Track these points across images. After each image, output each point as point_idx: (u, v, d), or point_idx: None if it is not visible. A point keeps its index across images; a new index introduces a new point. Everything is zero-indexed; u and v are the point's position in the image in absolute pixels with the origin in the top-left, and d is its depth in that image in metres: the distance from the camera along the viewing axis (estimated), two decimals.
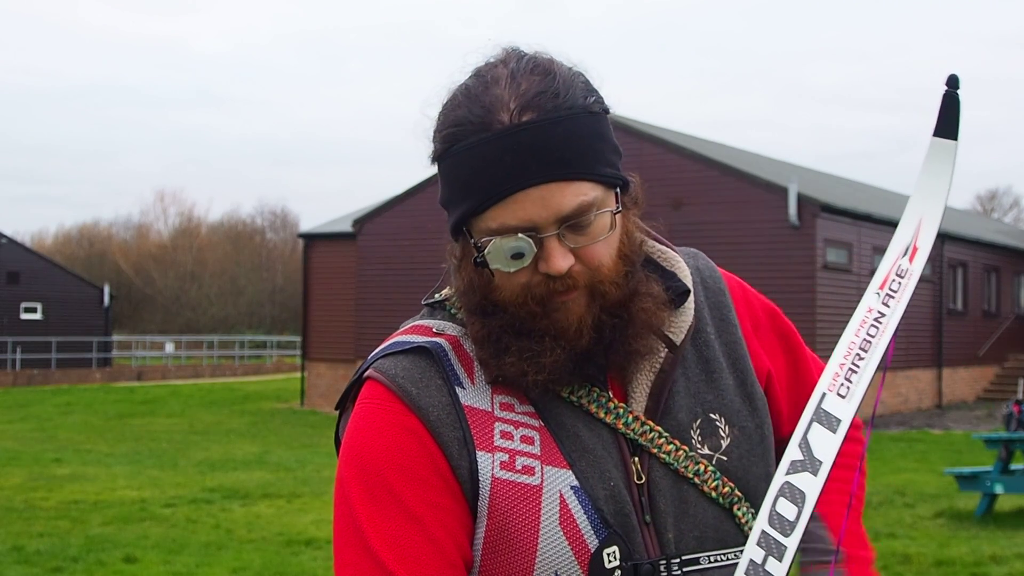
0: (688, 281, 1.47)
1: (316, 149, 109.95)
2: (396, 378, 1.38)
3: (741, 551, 1.42)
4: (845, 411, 1.26)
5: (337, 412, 1.50)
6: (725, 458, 1.41)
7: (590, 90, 1.35)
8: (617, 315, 1.35)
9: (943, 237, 24.61)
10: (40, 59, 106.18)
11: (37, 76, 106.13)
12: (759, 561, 1.23)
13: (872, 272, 21.61)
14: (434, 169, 1.49)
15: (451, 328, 1.42)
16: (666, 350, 1.42)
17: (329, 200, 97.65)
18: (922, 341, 24.05)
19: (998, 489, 9.85)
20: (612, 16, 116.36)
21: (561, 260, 1.30)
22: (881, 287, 1.30)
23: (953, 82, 1.29)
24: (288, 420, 21.95)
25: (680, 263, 1.49)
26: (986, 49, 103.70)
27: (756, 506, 1.43)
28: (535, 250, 1.31)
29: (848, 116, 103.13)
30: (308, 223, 62.48)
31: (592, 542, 1.32)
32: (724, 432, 1.42)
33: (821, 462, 1.25)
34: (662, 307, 1.40)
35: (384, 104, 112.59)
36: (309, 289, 26.21)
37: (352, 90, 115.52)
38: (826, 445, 1.26)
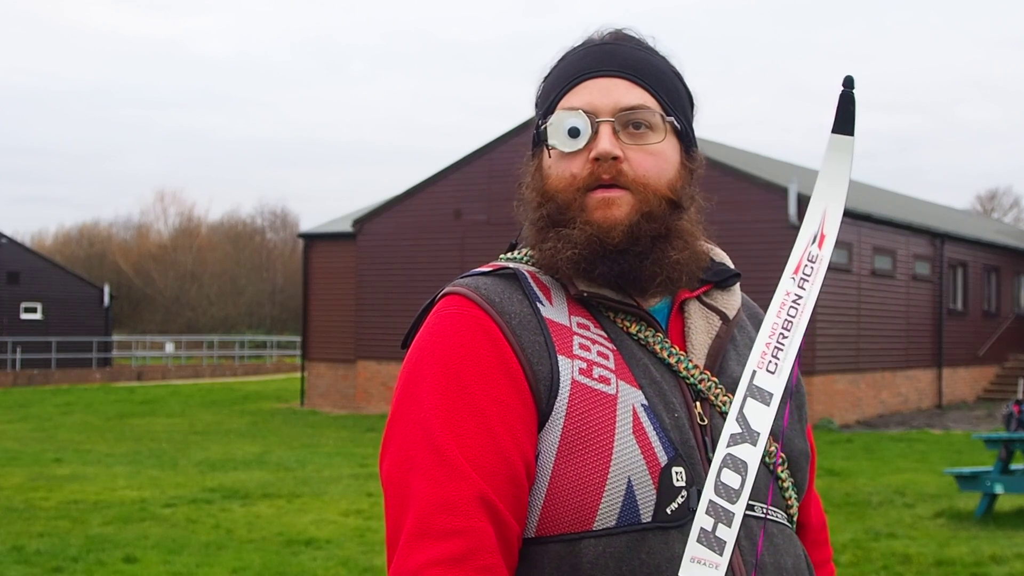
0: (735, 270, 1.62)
1: (316, 149, 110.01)
2: (479, 289, 1.46)
3: (784, 514, 1.51)
4: (775, 385, 1.36)
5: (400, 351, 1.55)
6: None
7: (679, 71, 1.56)
8: (657, 224, 1.45)
9: (943, 237, 24.63)
10: (41, 60, 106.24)
11: (38, 77, 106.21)
12: (709, 529, 1.30)
13: (872, 272, 21.71)
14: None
15: (525, 267, 1.52)
16: (720, 322, 1.54)
17: (329, 200, 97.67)
18: (922, 341, 24.05)
19: (998, 489, 9.85)
20: (611, 17, 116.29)
21: (610, 143, 1.44)
22: (795, 272, 1.41)
23: (849, 82, 1.39)
24: (288, 420, 21.94)
25: (726, 256, 1.63)
26: (986, 50, 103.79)
27: (795, 476, 1.53)
28: (590, 132, 1.45)
29: None
30: (308, 223, 62.53)
31: (662, 457, 1.39)
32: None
33: (759, 433, 1.34)
34: (701, 242, 1.54)
35: (384, 105, 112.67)
36: (309, 289, 26.21)
37: (353, 91, 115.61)
38: (761, 417, 1.35)
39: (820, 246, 1.40)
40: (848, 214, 20.63)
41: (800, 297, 1.39)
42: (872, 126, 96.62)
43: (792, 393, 1.51)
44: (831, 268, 19.89)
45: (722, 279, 1.58)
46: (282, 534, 9.30)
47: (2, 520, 9.92)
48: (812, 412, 19.04)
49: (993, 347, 27.42)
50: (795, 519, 1.54)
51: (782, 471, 1.50)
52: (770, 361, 1.37)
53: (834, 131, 1.40)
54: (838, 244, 19.04)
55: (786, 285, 1.39)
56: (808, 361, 18.99)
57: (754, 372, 1.36)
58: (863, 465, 14.16)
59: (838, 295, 20.36)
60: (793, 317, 1.39)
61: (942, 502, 10.90)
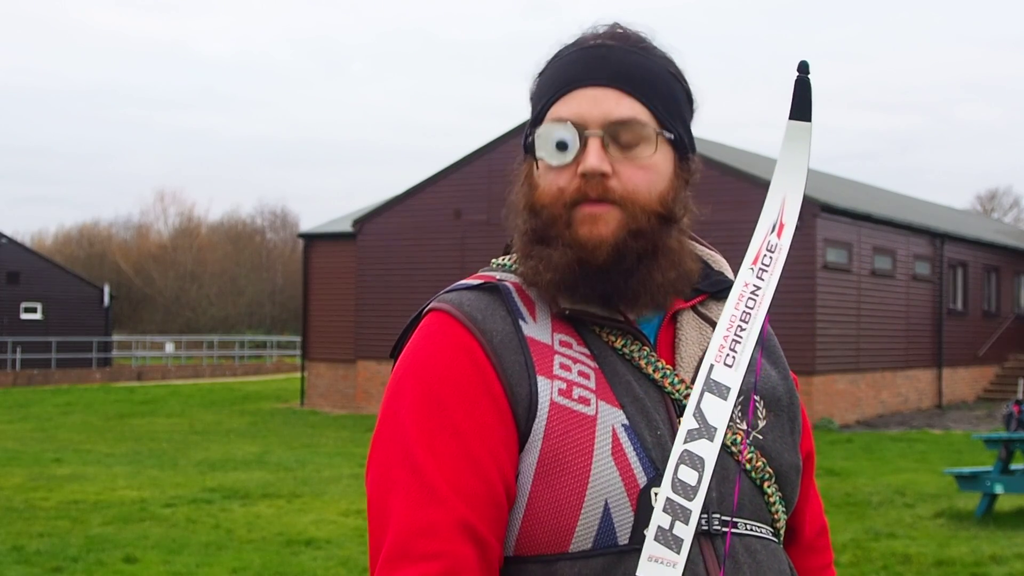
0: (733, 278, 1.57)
1: (317, 150, 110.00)
2: (461, 306, 1.43)
3: (769, 529, 1.48)
4: (733, 379, 1.34)
5: (391, 358, 1.56)
6: (760, 436, 1.46)
7: (678, 69, 1.49)
8: (645, 242, 1.41)
9: (943, 237, 24.62)
10: (42, 60, 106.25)
11: (39, 77, 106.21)
12: (667, 527, 1.28)
13: (872, 272, 21.70)
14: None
15: (512, 278, 1.49)
16: (712, 331, 1.49)
17: (329, 200, 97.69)
18: (922, 341, 24.05)
19: (998, 489, 9.85)
20: (609, 14, 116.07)
21: (598, 159, 1.39)
22: (754, 263, 1.39)
23: (804, 68, 1.39)
24: (288, 420, 21.94)
25: (726, 265, 1.58)
26: (986, 50, 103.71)
27: (783, 491, 1.49)
28: (578, 145, 1.40)
29: (848, 116, 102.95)
30: (308, 223, 62.57)
31: (641, 479, 1.36)
32: (761, 413, 1.48)
33: (716, 428, 1.32)
34: (692, 260, 1.48)
35: (385, 105, 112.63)
36: (309, 289, 26.21)
37: (353, 91, 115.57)
38: (718, 411, 1.33)
39: (779, 235, 1.39)
40: (848, 214, 20.65)
41: (759, 288, 1.37)
42: (872, 126, 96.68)
43: (755, 388, 1.49)
44: (831, 268, 20.00)
45: (718, 290, 1.54)
46: (282, 534, 9.30)
47: (2, 520, 9.92)
48: (812, 412, 19.01)
49: (993, 347, 27.42)
50: (782, 532, 1.53)
51: (768, 486, 1.46)
52: (728, 354, 1.34)
53: (791, 118, 1.38)
54: (837, 244, 19.11)
55: (744, 276, 1.37)
56: (808, 361, 18.98)
57: (711, 366, 1.33)
58: (863, 465, 14.15)
59: (838, 295, 20.34)
60: (752, 308, 1.36)
61: (942, 502, 10.90)
